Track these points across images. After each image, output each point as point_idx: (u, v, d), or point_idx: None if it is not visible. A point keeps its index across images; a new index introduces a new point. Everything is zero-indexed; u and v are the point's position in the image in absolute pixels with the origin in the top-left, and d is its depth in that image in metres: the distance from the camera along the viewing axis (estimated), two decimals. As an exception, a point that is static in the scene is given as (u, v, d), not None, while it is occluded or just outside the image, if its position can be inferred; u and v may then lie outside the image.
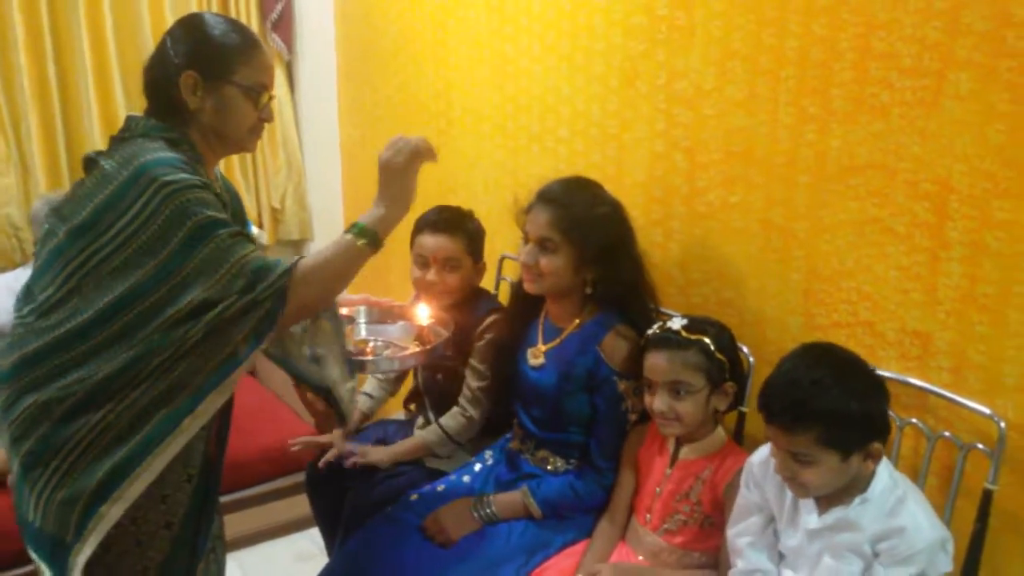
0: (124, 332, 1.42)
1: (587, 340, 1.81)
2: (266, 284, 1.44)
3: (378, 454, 2.09)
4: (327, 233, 3.78)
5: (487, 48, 2.60)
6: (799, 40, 1.67)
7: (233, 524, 1.99)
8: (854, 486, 1.37)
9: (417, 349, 1.93)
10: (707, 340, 1.60)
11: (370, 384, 2.39)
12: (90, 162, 1.53)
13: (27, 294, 1.55)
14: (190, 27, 1.58)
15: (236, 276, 1.43)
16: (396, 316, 2.06)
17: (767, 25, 1.72)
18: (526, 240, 1.83)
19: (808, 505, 1.43)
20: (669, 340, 1.61)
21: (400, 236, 2.96)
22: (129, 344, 1.42)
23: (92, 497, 1.43)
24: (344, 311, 1.88)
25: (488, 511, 1.81)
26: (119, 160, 1.47)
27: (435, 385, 2.23)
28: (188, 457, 1.56)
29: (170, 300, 1.42)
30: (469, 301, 2.18)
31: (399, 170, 1.55)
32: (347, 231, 1.54)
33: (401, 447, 2.11)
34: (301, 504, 2.33)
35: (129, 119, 1.58)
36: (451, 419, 2.11)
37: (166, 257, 1.41)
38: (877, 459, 1.35)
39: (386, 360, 1.89)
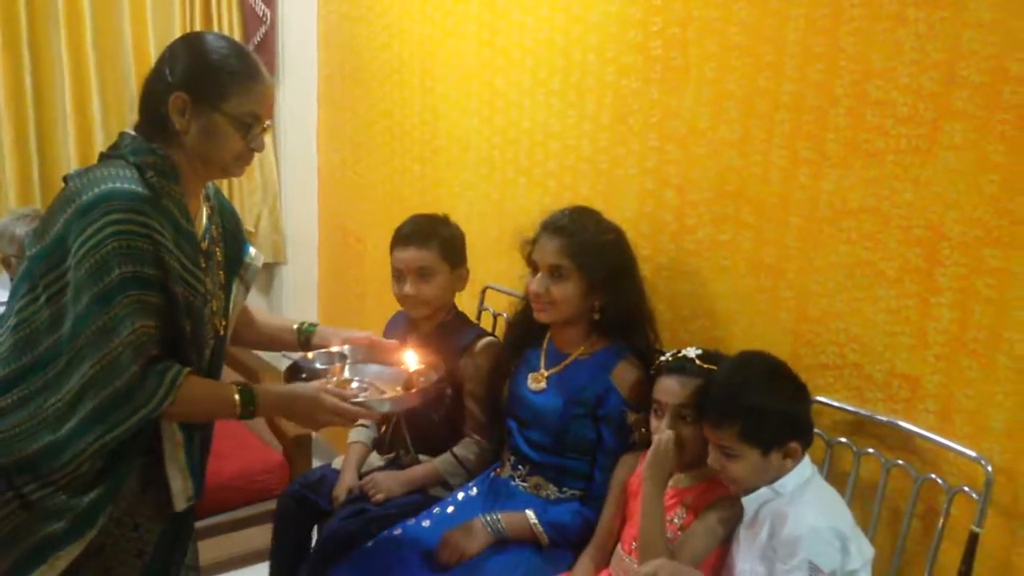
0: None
1: (598, 367, 1.82)
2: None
3: (390, 482, 2.04)
4: (301, 257, 3.73)
5: (476, 80, 2.61)
6: (795, 84, 1.70)
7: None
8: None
9: (402, 392, 1.83)
10: None
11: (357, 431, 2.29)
12: (66, 181, 1.50)
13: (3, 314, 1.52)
14: (189, 46, 1.53)
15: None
16: (387, 358, 1.96)
17: (763, 69, 1.76)
18: (535, 270, 1.84)
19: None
20: (683, 367, 1.64)
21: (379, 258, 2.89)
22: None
23: None
24: (345, 348, 1.88)
25: (498, 526, 1.80)
26: (86, 181, 1.43)
27: (430, 424, 2.13)
28: (160, 491, 1.54)
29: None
30: (454, 326, 2.16)
31: (311, 424, 1.68)
32: (238, 391, 1.54)
33: (413, 473, 2.07)
34: (264, 534, 2.27)
35: (122, 135, 1.54)
36: (464, 449, 2.07)
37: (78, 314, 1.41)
38: (795, 458, 1.47)
39: (377, 401, 1.77)
